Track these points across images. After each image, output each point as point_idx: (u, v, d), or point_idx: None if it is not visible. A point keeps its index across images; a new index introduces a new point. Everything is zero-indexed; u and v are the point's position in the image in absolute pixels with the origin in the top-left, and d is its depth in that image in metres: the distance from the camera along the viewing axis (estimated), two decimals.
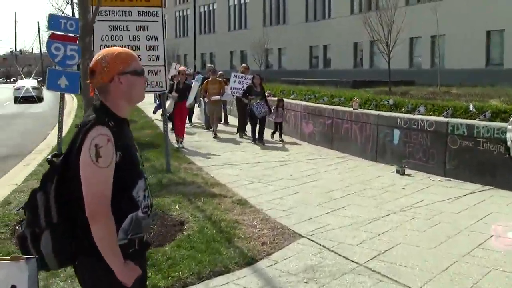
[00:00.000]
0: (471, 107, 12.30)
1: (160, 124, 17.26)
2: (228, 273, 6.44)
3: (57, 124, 14.28)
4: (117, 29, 11.69)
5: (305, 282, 6.17)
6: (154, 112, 24.77)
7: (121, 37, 11.69)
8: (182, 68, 19.70)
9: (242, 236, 7.62)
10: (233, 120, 22.19)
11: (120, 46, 11.44)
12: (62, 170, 3.24)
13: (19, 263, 3.24)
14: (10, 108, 39.08)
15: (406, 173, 12.38)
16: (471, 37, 37.34)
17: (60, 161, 3.30)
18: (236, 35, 68.68)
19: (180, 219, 8.34)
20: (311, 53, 57.17)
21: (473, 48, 37.26)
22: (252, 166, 13.37)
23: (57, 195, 3.22)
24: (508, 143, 10.57)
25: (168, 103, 16.05)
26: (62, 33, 13.56)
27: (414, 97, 19.76)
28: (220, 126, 20.54)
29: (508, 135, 10.55)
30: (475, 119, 11.77)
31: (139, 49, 11.69)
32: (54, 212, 3.21)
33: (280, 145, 17.05)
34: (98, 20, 11.41)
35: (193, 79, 21.62)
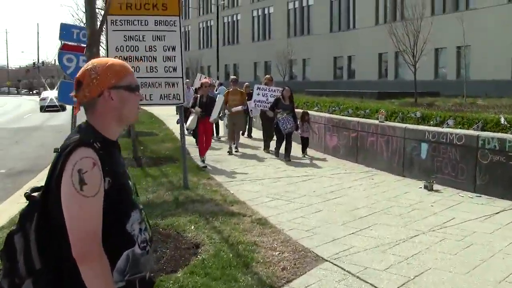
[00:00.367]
0: (502, 120, 11.72)
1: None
2: None
3: None
4: (133, 39, 11.20)
5: None
6: (178, 122, 24.20)
7: (136, 47, 11.23)
8: (205, 80, 18.17)
9: (261, 261, 7.10)
10: (257, 133, 21.55)
11: (135, 57, 11.21)
12: (43, 206, 2.72)
13: None
14: (30, 121, 39.03)
15: (434, 188, 11.83)
16: (497, 48, 36.74)
17: (40, 195, 2.77)
18: (260, 46, 68.68)
19: (195, 241, 7.85)
20: (335, 64, 56.92)
21: (499, 59, 36.65)
22: (274, 181, 12.87)
23: (39, 237, 2.69)
24: None
25: (190, 118, 15.24)
26: (75, 44, 13.17)
27: (440, 108, 19.19)
28: (243, 139, 19.85)
29: None
30: (506, 133, 11.22)
31: (156, 60, 11.30)
32: (35, 257, 2.69)
33: (304, 159, 16.49)
34: (113, 30, 11.10)
35: (216, 91, 21.04)
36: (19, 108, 57.87)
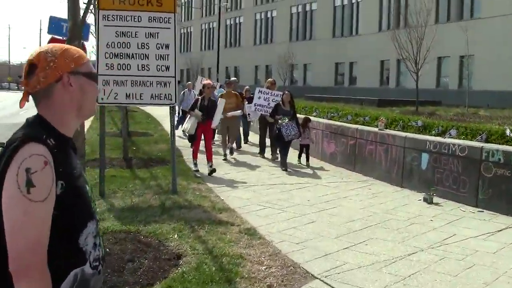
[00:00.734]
0: (508, 132, 11.23)
1: (178, 139, 15.98)
2: None
3: None
4: (125, 36, 10.68)
5: None
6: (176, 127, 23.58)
7: (128, 44, 10.70)
8: (207, 81, 16.25)
9: (246, 276, 6.55)
10: (254, 137, 20.90)
11: (127, 54, 10.67)
12: None
13: None
14: (27, 116, 38.51)
15: (434, 201, 11.33)
16: (502, 58, 36.30)
17: None
18: (261, 49, 68.40)
19: (177, 251, 7.31)
20: (336, 70, 56.55)
21: (503, 69, 36.21)
22: (267, 188, 12.33)
23: None
24: None
25: (190, 122, 14.03)
26: (63, 38, 12.52)
27: (442, 117, 18.65)
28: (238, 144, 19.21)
29: None
30: None
31: (148, 58, 10.79)
32: None
33: (300, 166, 15.89)
34: (104, 25, 10.60)
35: (216, 93, 20.36)
36: (18, 104, 57.45)
